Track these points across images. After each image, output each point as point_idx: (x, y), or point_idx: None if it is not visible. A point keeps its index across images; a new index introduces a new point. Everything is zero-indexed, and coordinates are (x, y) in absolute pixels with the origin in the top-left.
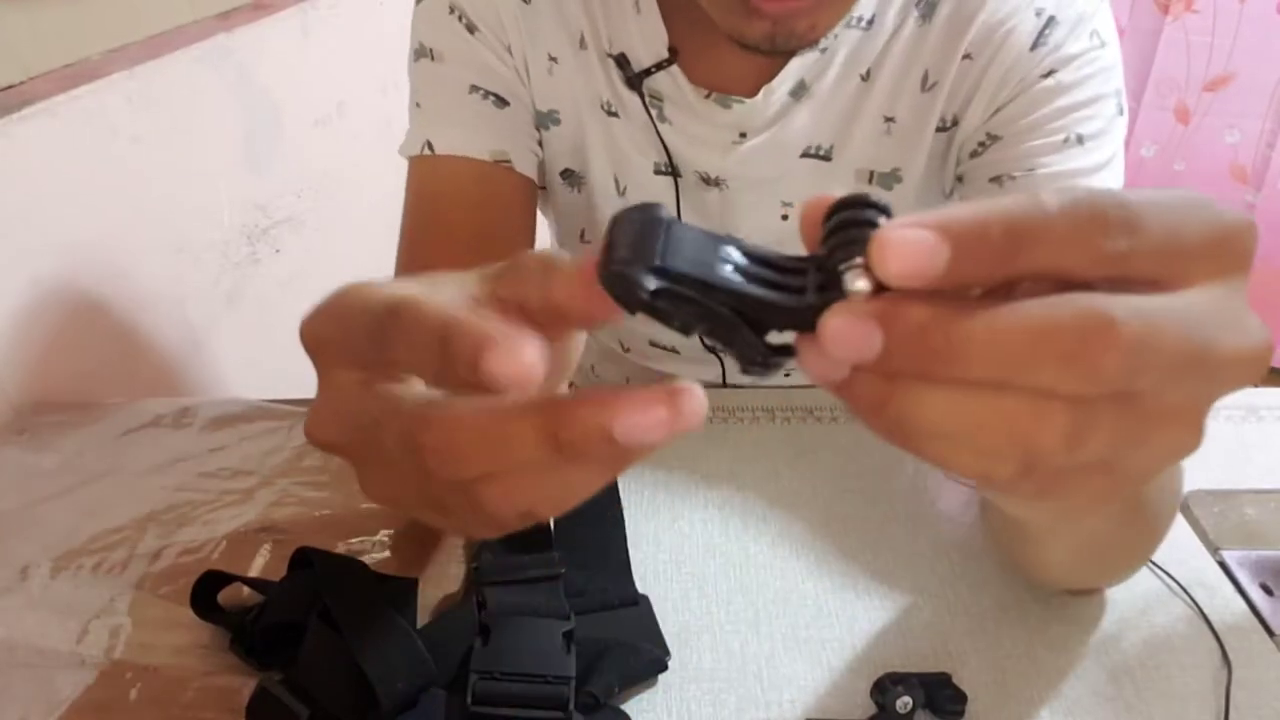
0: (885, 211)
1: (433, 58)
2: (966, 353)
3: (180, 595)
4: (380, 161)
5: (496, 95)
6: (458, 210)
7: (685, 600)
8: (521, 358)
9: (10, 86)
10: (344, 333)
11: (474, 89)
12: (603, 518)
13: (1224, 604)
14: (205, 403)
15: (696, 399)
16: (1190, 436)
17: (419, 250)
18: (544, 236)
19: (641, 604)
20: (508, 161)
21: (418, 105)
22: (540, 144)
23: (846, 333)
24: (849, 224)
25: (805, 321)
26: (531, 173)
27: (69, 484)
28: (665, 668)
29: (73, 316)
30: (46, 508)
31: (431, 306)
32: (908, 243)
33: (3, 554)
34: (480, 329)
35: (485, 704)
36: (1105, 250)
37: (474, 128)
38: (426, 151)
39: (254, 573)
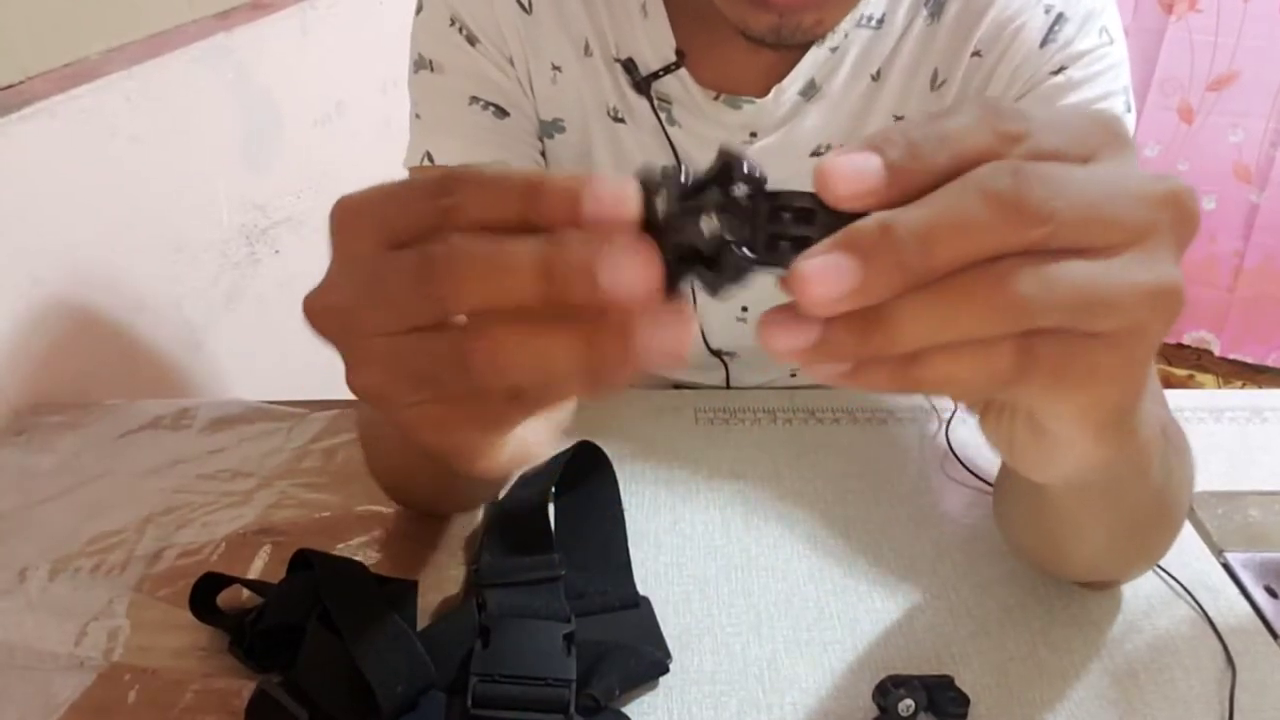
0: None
1: (433, 69)
2: (930, 239)
3: (179, 597)
4: (380, 161)
5: (497, 106)
6: None
7: (686, 602)
8: (627, 186)
9: (9, 86)
10: (391, 195)
11: (474, 100)
12: (603, 518)
13: (1228, 606)
14: (204, 404)
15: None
16: (1158, 271)
17: None
18: None
19: (642, 606)
20: None
21: (418, 116)
22: (544, 153)
23: (823, 267)
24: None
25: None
26: None
27: (67, 485)
28: (666, 670)
29: (71, 317)
30: (45, 509)
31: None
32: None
33: (1, 556)
34: (574, 177)
35: (485, 707)
36: (1002, 132)
37: (474, 139)
38: (426, 163)
39: (253, 575)
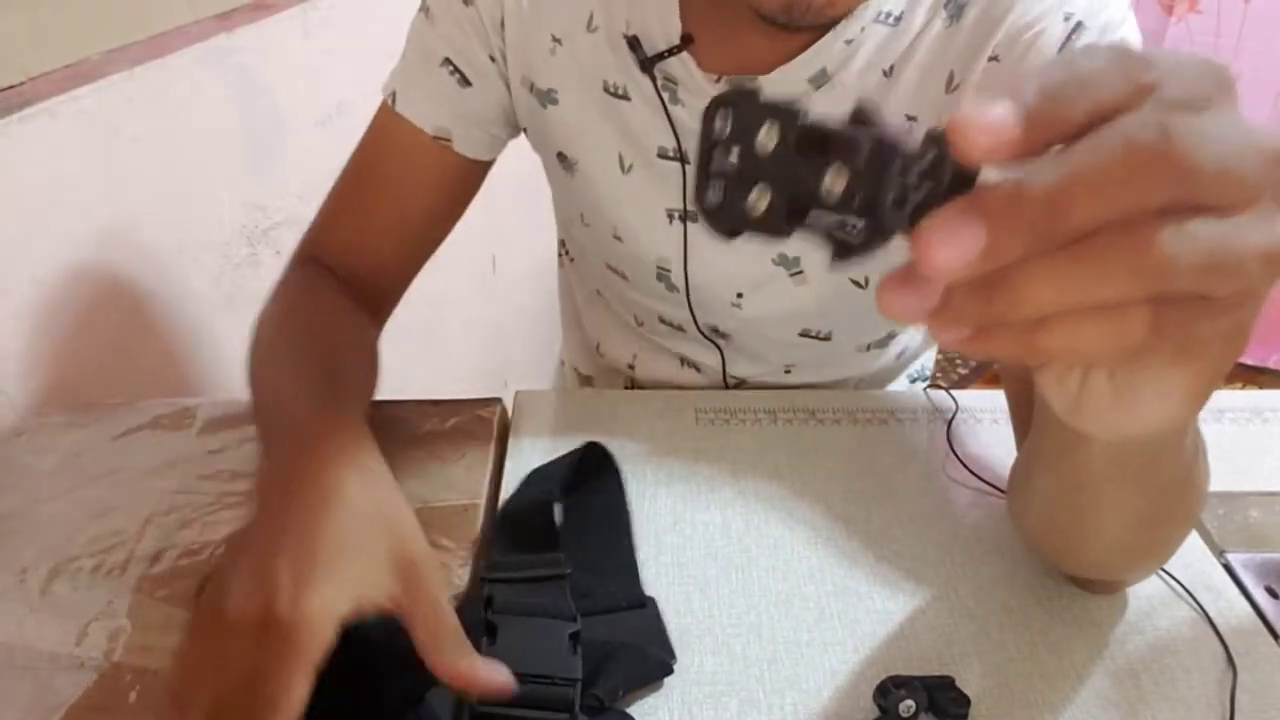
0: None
1: (428, 16)
2: (1066, 199)
3: (180, 598)
4: None
5: (463, 75)
6: (383, 174)
7: (687, 603)
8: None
9: (10, 87)
10: None
11: (446, 62)
12: (610, 519)
13: (1229, 607)
14: (205, 403)
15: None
16: (1271, 232)
17: (343, 194)
18: (546, 209)
19: (648, 606)
20: (448, 140)
21: (404, 55)
22: (523, 127)
23: (948, 229)
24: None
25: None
26: (480, 155)
27: (68, 485)
28: (671, 671)
29: (72, 317)
30: (45, 509)
31: None
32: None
33: (1, 556)
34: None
35: (490, 704)
36: (1136, 82)
37: (431, 99)
38: (390, 101)
39: None
